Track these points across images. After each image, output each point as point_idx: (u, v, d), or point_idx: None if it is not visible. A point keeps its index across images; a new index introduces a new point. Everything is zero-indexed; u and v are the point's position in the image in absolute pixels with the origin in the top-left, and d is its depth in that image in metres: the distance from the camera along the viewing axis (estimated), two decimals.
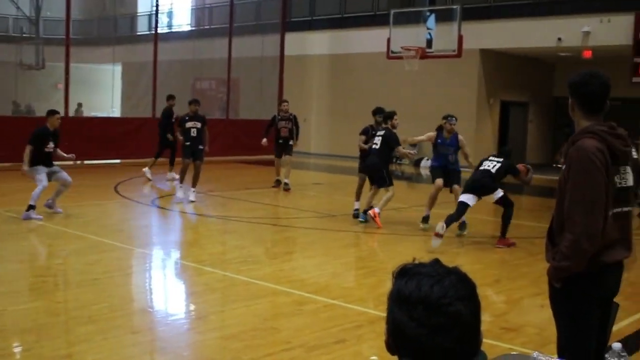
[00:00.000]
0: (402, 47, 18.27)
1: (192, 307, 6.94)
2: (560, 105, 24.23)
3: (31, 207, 10.75)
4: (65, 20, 20.64)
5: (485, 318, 6.42)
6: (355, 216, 11.99)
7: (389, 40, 18.87)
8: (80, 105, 28.57)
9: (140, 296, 7.38)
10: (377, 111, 12.44)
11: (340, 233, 10.93)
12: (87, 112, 29.46)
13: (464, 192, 10.05)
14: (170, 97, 17.50)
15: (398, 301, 1.67)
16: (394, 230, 11.14)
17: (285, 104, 16.62)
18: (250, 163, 22.50)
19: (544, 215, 13.62)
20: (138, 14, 35.32)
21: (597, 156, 3.40)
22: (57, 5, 26.78)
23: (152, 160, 17.00)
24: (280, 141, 16.19)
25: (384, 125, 11.76)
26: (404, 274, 1.71)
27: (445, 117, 11.47)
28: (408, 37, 18.68)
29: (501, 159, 10.21)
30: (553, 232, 3.63)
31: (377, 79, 24.58)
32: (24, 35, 31.36)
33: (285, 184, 15.86)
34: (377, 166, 11.43)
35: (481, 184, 9.96)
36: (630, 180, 3.57)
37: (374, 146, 11.54)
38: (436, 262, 1.74)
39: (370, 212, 11.28)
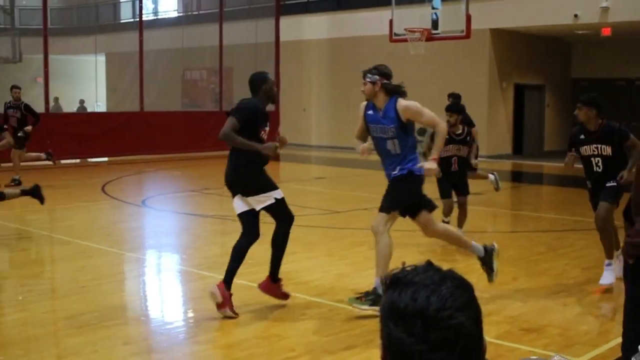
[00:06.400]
0: (406, 29, 18.18)
1: (189, 314, 6.96)
2: (579, 88, 24.04)
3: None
4: (43, 8, 20.62)
5: (504, 319, 6.44)
6: None
7: (391, 22, 18.82)
8: (56, 99, 28.57)
9: (132, 304, 7.40)
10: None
11: (345, 231, 10.94)
12: (69, 107, 29.51)
13: None
14: None
15: (393, 316, 1.64)
16: (404, 226, 11.10)
17: None
18: None
19: (566, 207, 13.64)
20: (121, 1, 35.35)
21: None
22: None
23: None
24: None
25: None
26: (396, 283, 1.66)
27: None
28: (412, 18, 18.60)
29: None
30: (630, 212, 3.77)
31: (380, 63, 24.38)
32: None
33: None
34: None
35: None
36: None
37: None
38: (429, 266, 1.68)
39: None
